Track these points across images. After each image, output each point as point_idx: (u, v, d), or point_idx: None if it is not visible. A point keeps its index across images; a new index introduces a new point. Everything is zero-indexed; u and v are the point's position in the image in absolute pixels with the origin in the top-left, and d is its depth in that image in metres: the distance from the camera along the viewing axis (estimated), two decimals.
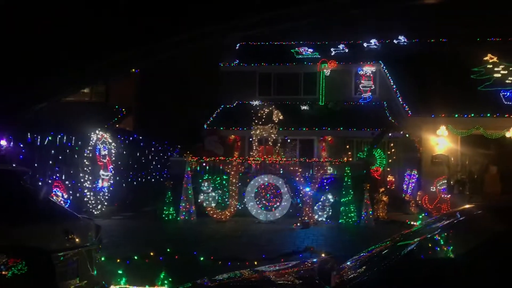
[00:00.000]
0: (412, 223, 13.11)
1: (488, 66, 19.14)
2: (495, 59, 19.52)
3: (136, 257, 8.30)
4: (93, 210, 14.04)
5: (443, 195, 15.55)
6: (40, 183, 11.58)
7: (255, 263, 7.85)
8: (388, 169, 18.79)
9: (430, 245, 3.51)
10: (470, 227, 3.50)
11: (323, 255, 8.13)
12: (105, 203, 14.85)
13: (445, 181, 15.84)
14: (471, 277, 2.77)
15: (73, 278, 4.23)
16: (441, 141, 16.46)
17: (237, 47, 24.89)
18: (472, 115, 16.17)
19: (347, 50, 23.28)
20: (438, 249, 3.53)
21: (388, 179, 17.99)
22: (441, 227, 3.62)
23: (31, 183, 5.76)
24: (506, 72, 18.53)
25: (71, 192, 13.20)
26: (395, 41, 23.45)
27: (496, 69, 18.81)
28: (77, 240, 4.32)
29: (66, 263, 4.17)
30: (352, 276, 3.26)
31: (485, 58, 19.62)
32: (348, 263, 3.68)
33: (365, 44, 23.53)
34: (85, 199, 13.91)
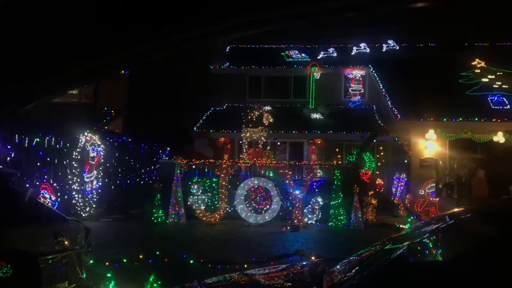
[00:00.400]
0: (401, 226, 13.21)
1: (476, 70, 19.35)
2: (482, 64, 19.75)
3: (125, 260, 8.25)
4: (81, 213, 13.93)
5: (431, 199, 15.68)
6: (28, 185, 11.47)
7: (245, 266, 7.85)
8: (377, 172, 18.91)
9: (419, 249, 3.52)
10: (458, 230, 3.51)
11: (313, 258, 8.14)
12: (94, 205, 14.76)
13: (434, 184, 15.98)
14: (460, 281, 2.79)
15: (62, 281, 4.18)
16: (429, 144, 16.59)
17: (227, 50, 24.91)
18: (460, 119, 16.31)
19: (336, 54, 23.41)
20: (427, 252, 3.54)
21: (377, 182, 18.08)
22: (430, 231, 3.64)
23: (19, 185, 5.70)
24: (493, 76, 18.74)
25: (59, 194, 13.08)
26: (384, 45, 23.61)
27: (484, 74, 19.02)
28: (66, 242, 4.26)
29: (55, 266, 4.12)
30: (343, 279, 3.26)
31: (473, 63, 19.84)
32: (339, 266, 3.68)
33: (354, 48, 23.67)
34: (73, 201, 13.80)
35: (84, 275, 4.58)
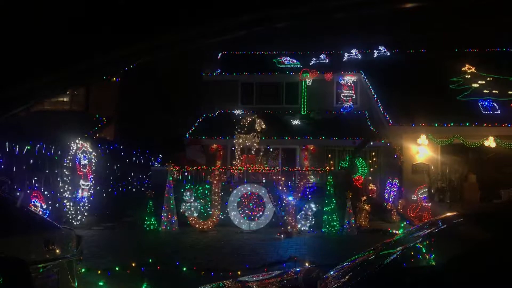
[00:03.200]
0: (394, 231, 13.23)
1: (466, 76, 19.52)
2: (473, 69, 19.92)
3: (117, 268, 8.19)
4: (73, 221, 13.81)
5: (424, 204, 15.72)
6: (18, 194, 11.35)
7: (238, 273, 7.81)
8: (370, 177, 18.93)
9: (412, 254, 3.52)
10: (451, 235, 3.52)
11: (307, 264, 8.12)
12: (85, 214, 14.64)
13: (426, 189, 16.02)
14: (453, 285, 2.79)
15: None
16: (421, 150, 16.66)
17: (219, 57, 24.95)
18: (452, 124, 16.41)
19: (328, 60, 23.52)
20: (421, 257, 3.55)
21: (369, 187, 18.10)
22: (423, 236, 3.64)
23: (9, 193, 5.64)
24: (484, 82, 18.90)
25: (50, 202, 12.97)
26: (375, 52, 23.77)
27: (474, 79, 19.18)
28: (57, 251, 4.21)
29: (46, 274, 4.06)
30: (337, 285, 3.25)
31: (464, 69, 20.01)
32: (333, 272, 3.67)
33: (346, 54, 23.81)
34: (65, 209, 13.68)
35: (76, 284, 4.52)
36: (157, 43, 2.74)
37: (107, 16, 2.54)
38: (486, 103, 17.47)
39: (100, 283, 7.10)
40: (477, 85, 18.70)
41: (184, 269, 8.42)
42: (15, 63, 2.57)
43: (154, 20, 2.57)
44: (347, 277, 3.40)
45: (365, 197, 15.22)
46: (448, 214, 4.01)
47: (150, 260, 8.76)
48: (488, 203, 13.68)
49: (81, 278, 5.05)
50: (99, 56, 2.70)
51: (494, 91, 18.15)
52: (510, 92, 18.04)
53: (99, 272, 7.86)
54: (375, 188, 18.24)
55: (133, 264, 8.41)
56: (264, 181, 14.95)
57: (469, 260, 2.90)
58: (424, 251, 3.50)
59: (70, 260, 4.49)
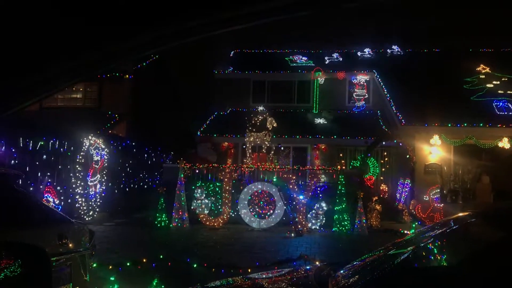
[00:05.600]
0: (405, 232, 13.15)
1: (480, 76, 19.34)
2: (487, 69, 19.73)
3: (128, 264, 8.24)
4: (85, 216, 13.94)
5: (436, 204, 15.60)
6: (31, 188, 11.48)
7: (249, 270, 7.82)
8: (381, 177, 18.85)
9: (424, 254, 3.49)
10: (464, 235, 3.49)
11: (317, 263, 8.11)
12: (97, 209, 14.76)
13: (438, 190, 15.89)
14: (465, 286, 2.77)
15: (66, 283, 4.17)
16: (434, 150, 16.53)
17: (231, 55, 24.99)
18: (465, 124, 16.25)
19: (341, 59, 23.47)
20: (432, 257, 3.52)
21: (381, 187, 18.02)
22: (435, 236, 3.62)
23: (23, 187, 5.71)
24: (498, 82, 18.71)
25: (62, 197, 13.09)
26: (388, 51, 23.65)
27: (488, 79, 18.99)
28: (70, 245, 4.25)
29: (59, 268, 4.10)
30: (348, 283, 3.24)
31: (478, 69, 19.83)
32: (344, 270, 3.66)
33: (359, 53, 23.73)
34: (77, 205, 13.80)
35: (88, 278, 4.57)
36: (164, 32, 2.74)
37: (115, 6, 2.55)
38: (501, 103, 17.28)
39: (111, 278, 7.15)
40: (491, 86, 18.53)
41: (195, 265, 8.46)
42: (24, 53, 2.59)
43: (160, 10, 2.57)
44: (357, 276, 3.39)
45: (376, 197, 15.15)
46: (460, 214, 3.97)
47: (161, 256, 8.81)
48: (501, 203, 13.52)
49: (93, 273, 5.10)
50: (107, 46, 2.71)
51: (509, 92, 17.96)
52: None
53: (110, 267, 7.92)
54: (386, 188, 18.16)
55: (144, 260, 8.47)
56: (275, 179, 14.93)
57: (481, 260, 2.87)
58: (435, 251, 3.47)
59: (83, 254, 4.53)
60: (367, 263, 3.67)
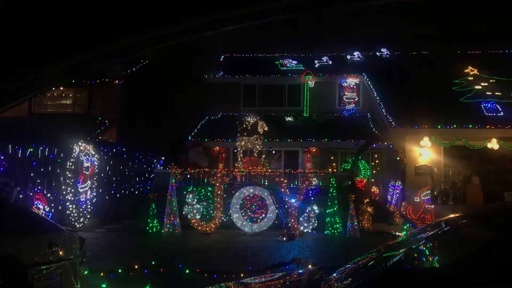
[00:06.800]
0: (397, 233, 13.20)
1: (469, 78, 19.50)
2: (475, 71, 19.91)
3: (120, 270, 8.18)
4: (76, 223, 13.82)
5: (427, 206, 15.67)
6: (21, 196, 11.36)
7: (242, 275, 7.79)
8: (372, 180, 18.91)
9: (416, 256, 3.50)
10: (455, 236, 3.51)
11: (310, 266, 8.10)
12: (88, 216, 14.64)
13: (429, 191, 15.96)
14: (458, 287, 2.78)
15: None
16: (424, 152, 16.62)
17: (221, 59, 24.99)
18: (455, 126, 16.36)
19: (330, 62, 23.56)
20: (424, 259, 3.53)
21: (372, 190, 18.08)
22: (427, 237, 3.63)
23: (12, 195, 5.63)
24: (486, 84, 18.87)
25: (52, 204, 12.97)
26: (378, 54, 23.79)
27: (476, 81, 19.16)
28: (60, 252, 4.20)
29: (49, 276, 4.05)
30: (341, 287, 3.24)
31: (466, 71, 20.01)
32: (336, 274, 3.66)
33: (348, 57, 23.85)
34: (67, 211, 13.68)
35: (79, 285, 4.52)
36: (157, 33, 2.74)
37: (108, 8, 2.54)
38: (489, 105, 17.43)
39: (103, 285, 7.09)
40: (479, 87, 18.68)
41: (187, 271, 8.41)
42: (13, 55, 2.57)
43: (150, 12, 2.57)
44: (350, 279, 3.39)
45: (367, 199, 15.19)
46: (451, 215, 3.98)
47: (153, 263, 8.75)
48: (491, 204, 13.61)
49: (84, 280, 5.05)
50: (96, 48, 2.70)
51: (497, 93, 18.12)
52: None
53: (101, 274, 7.85)
54: (377, 190, 18.21)
55: (136, 267, 8.41)
56: (266, 183, 14.91)
57: (473, 261, 2.89)
58: (427, 253, 3.49)
59: (73, 262, 4.48)
60: (360, 266, 3.67)
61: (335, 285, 3.35)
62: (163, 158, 21.45)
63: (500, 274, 2.74)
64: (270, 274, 5.79)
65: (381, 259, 3.56)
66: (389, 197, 17.03)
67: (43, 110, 21.48)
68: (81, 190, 14.31)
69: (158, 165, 20.57)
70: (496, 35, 23.77)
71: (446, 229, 3.62)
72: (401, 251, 3.52)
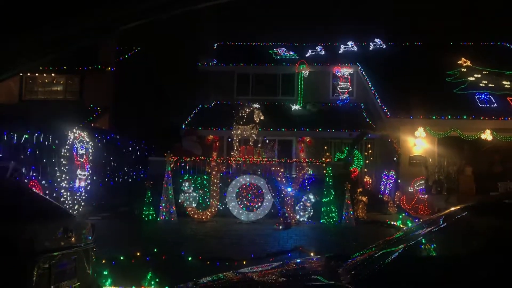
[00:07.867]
0: (392, 223, 13.31)
1: (462, 69, 19.64)
2: (468, 63, 20.05)
3: (122, 258, 8.15)
4: (70, 210, 13.70)
5: (420, 195, 15.83)
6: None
7: (244, 262, 7.81)
8: (365, 169, 19.02)
9: (428, 244, 3.54)
10: (469, 226, 3.54)
11: (312, 254, 8.15)
12: (82, 203, 14.53)
13: (423, 181, 16.10)
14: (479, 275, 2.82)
15: (72, 278, 4.08)
16: (418, 142, 16.74)
17: (215, 47, 24.84)
18: (449, 117, 16.49)
19: (324, 52, 23.52)
20: (437, 247, 3.56)
21: (365, 179, 18.18)
22: (436, 229, 3.65)
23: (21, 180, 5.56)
24: (479, 75, 19.03)
25: (47, 192, 12.84)
26: (371, 44, 23.81)
27: (470, 72, 19.30)
28: (74, 239, 4.17)
29: (65, 262, 4.01)
30: (361, 271, 3.28)
31: (459, 62, 20.14)
32: (353, 259, 3.69)
33: (342, 47, 23.83)
34: (62, 199, 13.56)
35: (91, 272, 4.49)
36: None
37: None
38: (483, 96, 17.58)
39: (104, 273, 7.06)
40: (473, 79, 18.83)
41: (188, 258, 8.40)
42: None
43: None
44: (370, 263, 3.42)
45: (360, 189, 15.30)
46: (462, 205, 4.01)
47: (155, 250, 8.73)
48: (487, 196, 13.78)
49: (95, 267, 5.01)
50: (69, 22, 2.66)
51: (490, 85, 18.28)
52: (506, 86, 18.18)
53: (103, 261, 7.80)
54: (370, 180, 18.32)
55: (138, 254, 8.38)
56: (259, 172, 14.88)
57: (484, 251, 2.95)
58: (439, 242, 3.52)
59: (86, 248, 4.45)
60: (377, 252, 3.70)
61: (356, 269, 3.37)
62: (154, 146, 21.33)
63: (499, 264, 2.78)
64: (267, 264, 5.80)
65: (399, 244, 3.59)
66: (382, 187, 17.14)
67: (34, 97, 21.21)
68: (80, 177, 14.18)
69: (152, 153, 20.47)
70: (488, 26, 23.94)
71: (462, 216, 3.64)
72: (415, 240, 3.56)
